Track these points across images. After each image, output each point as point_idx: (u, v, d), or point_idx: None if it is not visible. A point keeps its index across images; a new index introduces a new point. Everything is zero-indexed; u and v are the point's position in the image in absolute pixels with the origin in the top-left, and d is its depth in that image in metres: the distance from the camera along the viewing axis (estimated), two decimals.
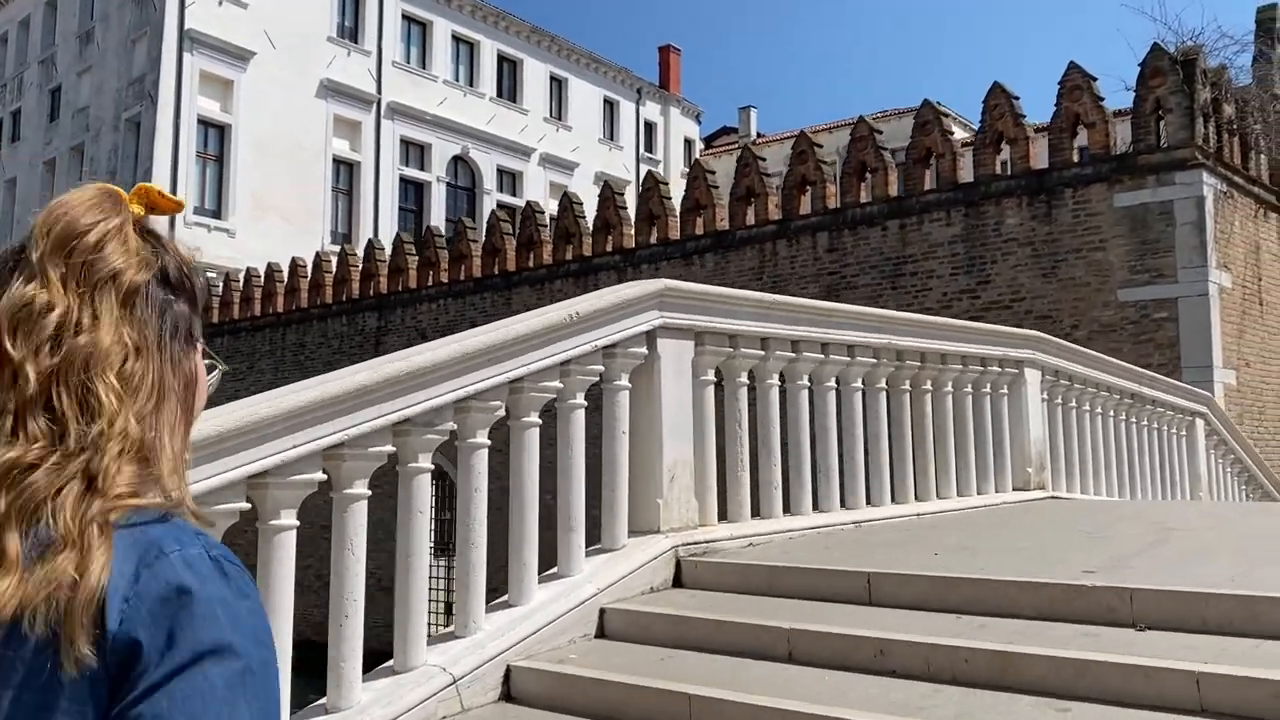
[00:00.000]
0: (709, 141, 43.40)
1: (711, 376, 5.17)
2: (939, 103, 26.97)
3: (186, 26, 28.98)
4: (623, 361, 4.66)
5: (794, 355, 5.60)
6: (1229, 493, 10.41)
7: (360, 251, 23.95)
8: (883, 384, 6.24)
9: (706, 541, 4.83)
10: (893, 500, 6.21)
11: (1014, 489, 7.13)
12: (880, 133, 16.18)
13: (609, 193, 19.72)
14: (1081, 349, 8.09)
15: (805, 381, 5.75)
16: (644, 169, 35.21)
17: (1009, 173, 14.59)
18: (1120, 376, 8.33)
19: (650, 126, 40.57)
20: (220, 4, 29.69)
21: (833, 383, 5.90)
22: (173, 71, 28.79)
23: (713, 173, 18.61)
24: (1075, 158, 14.07)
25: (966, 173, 15.10)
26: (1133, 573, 3.80)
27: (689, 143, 41.65)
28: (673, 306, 4.89)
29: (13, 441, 0.87)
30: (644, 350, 4.77)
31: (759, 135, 39.21)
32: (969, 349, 6.75)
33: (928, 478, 6.44)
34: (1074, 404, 7.75)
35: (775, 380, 5.55)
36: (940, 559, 4.35)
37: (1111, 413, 8.27)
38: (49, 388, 0.89)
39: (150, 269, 0.96)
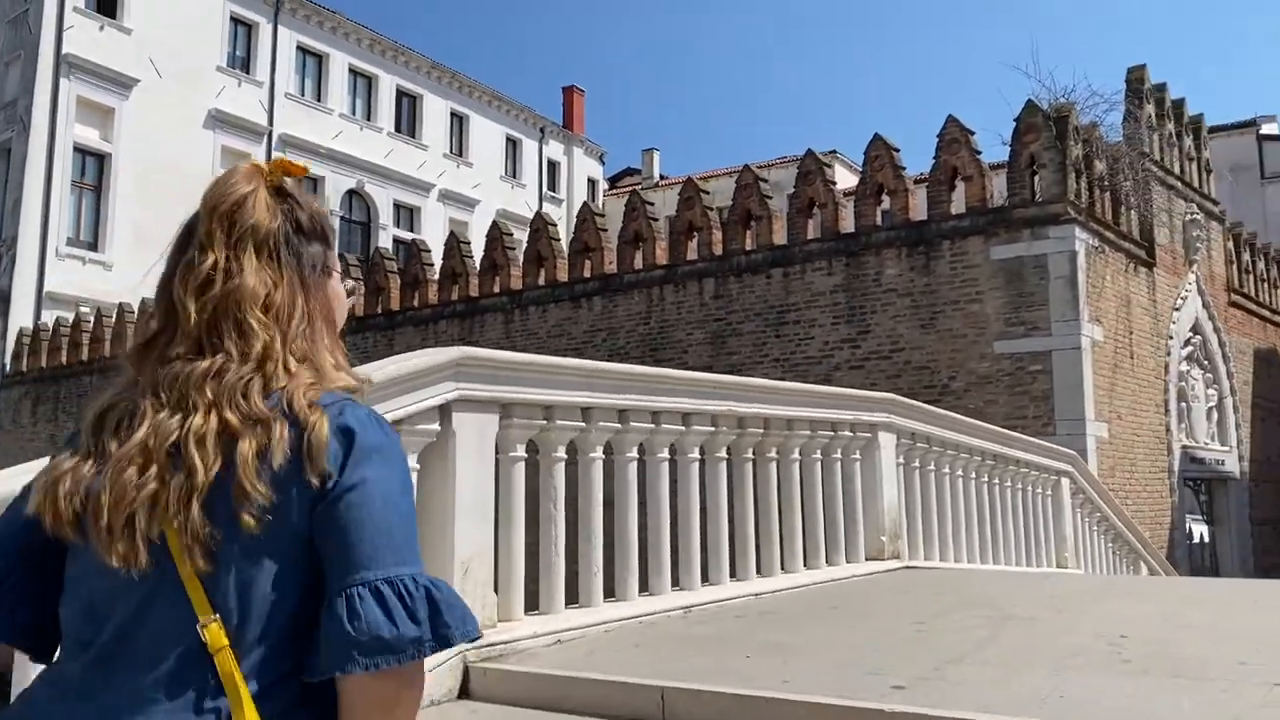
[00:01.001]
0: (613, 182, 43.33)
1: (521, 452, 4.70)
2: (833, 150, 27.22)
3: (64, 51, 27.70)
4: (408, 440, 4.16)
5: (620, 426, 5.18)
6: (1097, 552, 10.33)
7: None
8: (723, 453, 5.87)
9: (505, 642, 4.33)
10: (733, 577, 5.81)
11: (868, 558, 6.82)
12: (765, 181, 16.09)
13: (496, 233, 19.23)
14: (937, 410, 7.86)
15: (634, 453, 5.32)
16: (547, 208, 34.87)
17: (890, 224, 14.59)
18: (980, 437, 8.14)
19: (554, 165, 40.29)
20: (102, 29, 28.47)
21: (666, 453, 5.49)
22: (47, 97, 27.44)
23: (602, 215, 18.31)
24: (953, 210, 14.14)
25: (849, 223, 15.07)
26: (943, 687, 3.44)
27: (593, 182, 41.47)
28: (472, 377, 4.42)
29: (200, 358, 1.21)
30: (436, 427, 4.28)
31: (662, 177, 39.26)
32: (817, 414, 6.43)
33: (772, 551, 6.07)
34: (932, 467, 7.51)
35: (598, 453, 5.12)
36: (750, 663, 3.94)
37: (973, 475, 8.06)
38: (214, 320, 1.21)
39: (278, 219, 1.26)
